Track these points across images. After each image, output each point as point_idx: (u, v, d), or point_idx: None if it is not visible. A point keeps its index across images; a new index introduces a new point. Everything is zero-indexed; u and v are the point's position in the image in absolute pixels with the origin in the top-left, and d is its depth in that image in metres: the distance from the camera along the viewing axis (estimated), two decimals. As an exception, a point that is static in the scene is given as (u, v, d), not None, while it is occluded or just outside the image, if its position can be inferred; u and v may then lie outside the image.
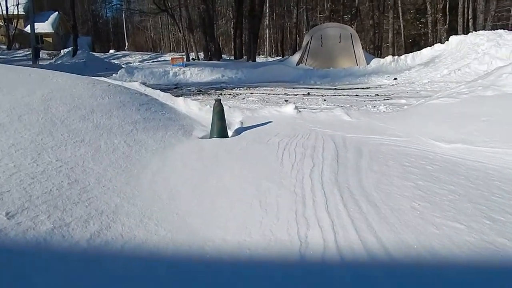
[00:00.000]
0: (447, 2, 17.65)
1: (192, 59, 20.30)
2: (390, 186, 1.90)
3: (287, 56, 27.39)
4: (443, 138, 2.46)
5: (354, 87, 12.69)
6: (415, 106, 3.20)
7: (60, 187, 1.83)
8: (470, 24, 16.73)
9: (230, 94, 10.71)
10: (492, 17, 15.92)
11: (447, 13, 17.83)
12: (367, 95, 10.08)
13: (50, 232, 1.49)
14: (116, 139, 2.61)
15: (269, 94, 10.59)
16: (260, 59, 26.49)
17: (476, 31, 16.79)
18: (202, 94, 10.80)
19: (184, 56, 19.13)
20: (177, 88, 12.87)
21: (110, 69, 19.29)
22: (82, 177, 1.99)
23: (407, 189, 1.88)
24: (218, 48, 21.98)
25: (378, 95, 10.05)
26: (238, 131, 3.19)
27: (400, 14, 21.53)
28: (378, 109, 7.38)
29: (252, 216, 1.77)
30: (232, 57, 24.52)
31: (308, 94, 10.42)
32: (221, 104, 3.13)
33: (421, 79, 13.03)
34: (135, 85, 4.66)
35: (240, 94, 10.68)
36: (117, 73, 15.09)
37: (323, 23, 32.31)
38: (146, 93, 4.40)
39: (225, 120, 3.14)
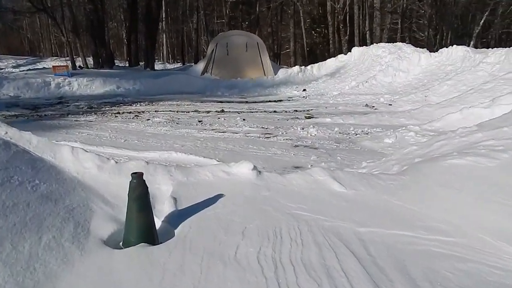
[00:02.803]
0: (347, 14, 18.19)
1: (80, 66, 17.68)
2: None
3: (187, 63, 25.92)
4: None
5: (266, 100, 11.96)
6: (430, 167, 2.30)
7: None
8: (367, 35, 17.45)
9: (130, 113, 9.04)
10: (388, 30, 16.77)
11: (347, 24, 18.38)
12: (285, 111, 9.33)
13: None
14: None
15: (177, 111, 9.19)
16: (157, 65, 24.54)
17: (372, 42, 17.46)
18: (95, 113, 8.95)
19: (69, 63, 16.52)
20: (61, 104, 10.68)
21: (-28, 77, 15.71)
22: None
23: None
24: (110, 54, 19.63)
25: (296, 110, 9.37)
26: (171, 221, 1.87)
27: (302, 23, 21.71)
28: (308, 132, 6.57)
29: None
30: (127, 64, 22.24)
31: (222, 111, 9.30)
32: (144, 182, 1.77)
33: (330, 90, 12.85)
34: (-10, 125, 3.00)
35: (143, 112, 9.08)
36: (-20, 85, 12.12)
37: (223, 29, 31.56)
38: (8, 140, 2.80)
39: (151, 211, 1.81)
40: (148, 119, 8.04)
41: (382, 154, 5.30)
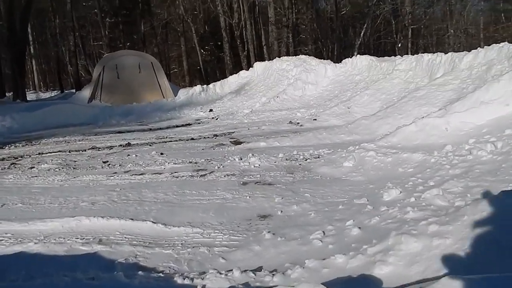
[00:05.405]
0: (243, 29, 17.67)
1: None
2: None
3: (68, 91, 22.82)
4: None
5: (172, 125, 10.59)
6: None
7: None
8: (265, 50, 17.17)
9: (3, 159, 6.88)
10: (285, 44, 16.75)
11: (244, 40, 17.87)
12: (203, 137, 8.10)
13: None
14: None
15: (69, 151, 7.28)
16: (29, 95, 20.98)
17: (270, 57, 17.24)
18: (-51, 166, 6.53)
19: None
20: None
21: None
22: None
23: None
24: (-37, 85, 15.99)
25: (216, 135, 8.22)
26: None
27: (196, 41, 20.61)
28: (250, 163, 5.45)
29: None
30: (-12, 96, 18.46)
31: (129, 144, 7.66)
32: None
33: (240, 109, 11.99)
34: None
35: (22, 157, 6.97)
36: None
37: (101, 52, 28.73)
38: None
39: None
40: (31, 167, 6.05)
41: (350, 183, 4.46)
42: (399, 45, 20.82)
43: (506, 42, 7.09)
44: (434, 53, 9.11)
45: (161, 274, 2.57)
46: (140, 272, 2.56)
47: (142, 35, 25.93)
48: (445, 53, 8.50)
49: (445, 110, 5.37)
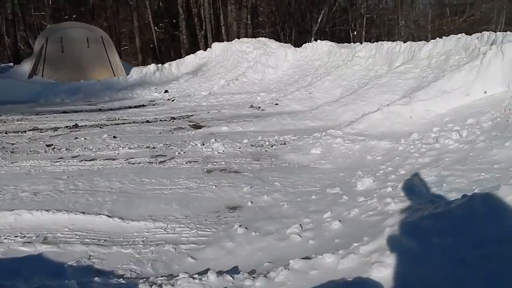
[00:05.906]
0: (201, 7, 16.87)
1: None
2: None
3: (4, 64, 20.85)
4: None
5: (125, 106, 9.94)
6: None
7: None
8: (223, 31, 16.55)
9: None
10: (244, 25, 16.25)
11: (202, 19, 17.09)
12: (160, 120, 7.60)
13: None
14: None
15: (6, 132, 6.52)
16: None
17: (229, 38, 16.71)
18: None
19: None
20: None
21: None
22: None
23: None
24: None
25: (174, 118, 7.75)
26: None
27: (150, 17, 19.47)
28: (213, 149, 5.11)
29: None
30: None
31: (76, 126, 7.00)
32: None
33: (197, 90, 11.51)
34: None
35: (-51, 137, 6.13)
36: None
37: (43, 23, 26.53)
38: None
39: None
40: (-39, 150, 5.31)
41: (319, 170, 4.27)
42: (355, 33, 21.02)
43: (463, 34, 7.19)
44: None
45: (122, 280, 2.21)
46: (96, 278, 2.18)
47: (90, 7, 24.18)
48: (404, 42, 8.56)
49: (409, 98, 5.33)
